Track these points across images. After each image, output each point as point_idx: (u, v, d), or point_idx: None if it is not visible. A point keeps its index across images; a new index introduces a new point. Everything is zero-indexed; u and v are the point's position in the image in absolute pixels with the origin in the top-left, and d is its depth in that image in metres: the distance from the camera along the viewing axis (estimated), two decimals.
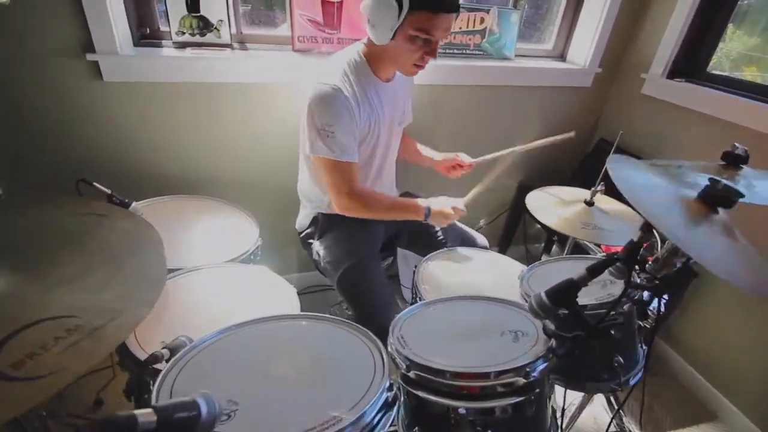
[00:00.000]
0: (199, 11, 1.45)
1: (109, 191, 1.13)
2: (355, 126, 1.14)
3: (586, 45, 1.90)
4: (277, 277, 1.07)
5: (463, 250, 1.37)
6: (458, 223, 1.50)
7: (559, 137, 1.42)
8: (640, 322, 0.96)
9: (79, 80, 1.33)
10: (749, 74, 1.79)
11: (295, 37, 1.55)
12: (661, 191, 0.70)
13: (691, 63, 1.77)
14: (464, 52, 1.79)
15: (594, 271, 0.68)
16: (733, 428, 1.61)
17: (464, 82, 1.79)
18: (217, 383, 0.62)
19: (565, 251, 1.54)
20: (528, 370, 0.64)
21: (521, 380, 0.64)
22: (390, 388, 0.63)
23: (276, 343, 0.72)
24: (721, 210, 0.62)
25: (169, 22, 1.44)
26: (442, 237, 1.47)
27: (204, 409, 0.42)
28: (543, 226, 2.17)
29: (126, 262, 0.63)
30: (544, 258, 2.02)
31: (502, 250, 2.28)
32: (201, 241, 1.21)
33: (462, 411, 0.66)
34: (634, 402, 1.60)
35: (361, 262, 1.26)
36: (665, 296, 1.35)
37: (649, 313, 0.97)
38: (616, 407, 1.50)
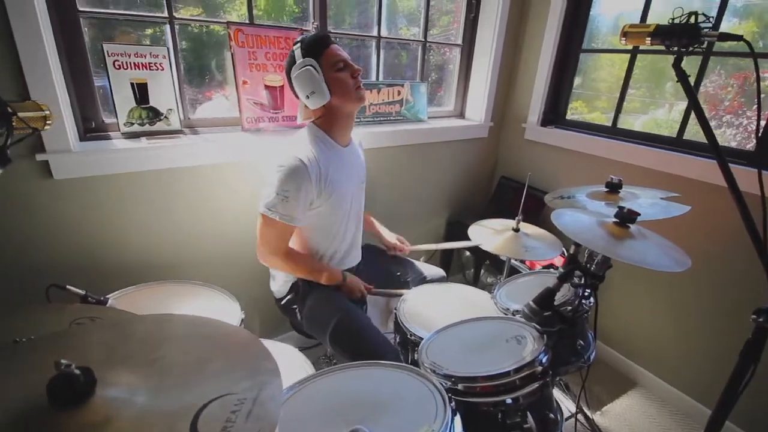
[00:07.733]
0: (148, 102, 1.50)
1: (83, 292, 1.10)
2: (309, 196, 1.30)
3: (479, 104, 2.37)
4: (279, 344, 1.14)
5: (427, 287, 1.57)
6: (416, 261, 1.73)
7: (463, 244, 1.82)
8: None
9: (29, 181, 1.27)
10: (578, 106, 2.34)
11: (244, 118, 1.68)
12: (588, 223, 1.01)
13: (555, 113, 2.33)
14: (389, 118, 2.10)
15: (563, 279, 0.94)
16: (652, 390, 2.02)
17: (390, 143, 2.07)
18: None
19: (505, 272, 1.85)
20: (541, 360, 0.86)
21: (539, 368, 0.85)
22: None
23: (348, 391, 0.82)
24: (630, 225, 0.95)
25: (116, 114, 1.46)
26: (404, 278, 1.67)
27: None
28: (471, 253, 2.50)
29: None
30: (488, 280, 2.34)
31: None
32: None
33: (508, 401, 0.84)
34: (575, 387, 1.93)
35: (348, 313, 1.36)
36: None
37: (585, 305, 1.29)
38: (575, 392, 1.78)
